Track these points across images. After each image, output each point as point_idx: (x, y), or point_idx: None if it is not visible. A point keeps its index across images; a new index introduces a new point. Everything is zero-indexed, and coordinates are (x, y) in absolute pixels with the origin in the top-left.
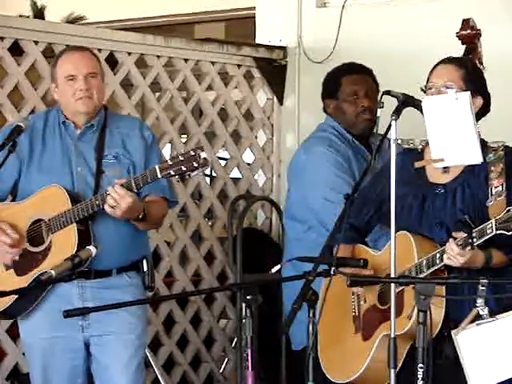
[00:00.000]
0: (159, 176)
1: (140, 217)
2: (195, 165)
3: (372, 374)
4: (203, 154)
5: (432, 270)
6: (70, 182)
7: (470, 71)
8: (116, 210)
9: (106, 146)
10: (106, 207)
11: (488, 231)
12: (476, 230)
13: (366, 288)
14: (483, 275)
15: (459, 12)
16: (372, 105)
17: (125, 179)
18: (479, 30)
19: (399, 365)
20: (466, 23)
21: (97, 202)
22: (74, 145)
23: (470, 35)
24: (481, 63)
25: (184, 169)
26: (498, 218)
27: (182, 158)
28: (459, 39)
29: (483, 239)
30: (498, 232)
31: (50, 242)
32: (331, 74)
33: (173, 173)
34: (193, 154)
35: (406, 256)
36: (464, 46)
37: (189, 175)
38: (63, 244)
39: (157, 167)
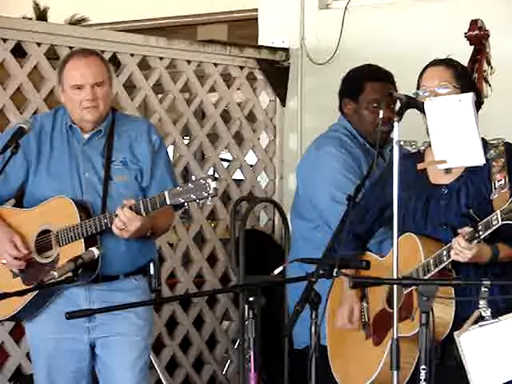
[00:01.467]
0: (168, 202)
1: (148, 235)
2: (205, 194)
3: (385, 378)
4: (213, 184)
5: (440, 267)
6: (79, 189)
7: (459, 69)
8: (124, 232)
9: (114, 150)
10: (114, 229)
11: (494, 222)
12: (481, 222)
13: (373, 293)
14: (490, 272)
15: (462, 13)
16: (392, 115)
17: (133, 200)
18: (487, 30)
19: (412, 368)
20: (475, 24)
21: (105, 221)
22: (81, 150)
23: (478, 36)
24: (489, 64)
25: (193, 197)
26: (502, 208)
27: (192, 186)
28: (467, 40)
29: (489, 231)
30: (504, 222)
31: (58, 254)
32: (354, 74)
33: (182, 200)
34: (203, 182)
35: (412, 257)
36: (472, 47)
37: (197, 203)
38: (71, 257)
39: (166, 193)
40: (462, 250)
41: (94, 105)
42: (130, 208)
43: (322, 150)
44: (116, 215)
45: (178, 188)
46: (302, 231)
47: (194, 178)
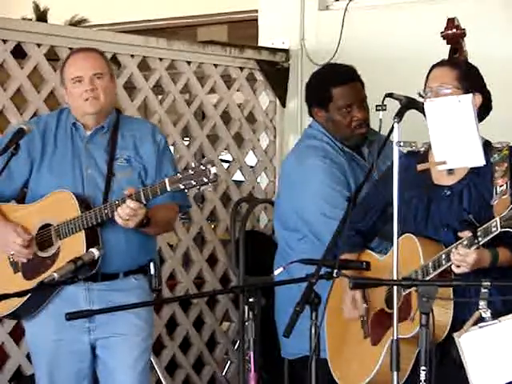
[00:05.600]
0: (168, 189)
1: (144, 223)
2: (205, 180)
3: (383, 378)
4: (213, 170)
5: (439, 271)
6: (80, 185)
7: (464, 70)
8: (129, 222)
9: (118, 148)
10: (118, 219)
11: (493, 229)
12: (481, 228)
13: (373, 293)
14: (489, 276)
15: (463, 14)
16: (366, 115)
17: (134, 188)
18: (464, 29)
19: (409, 369)
20: (451, 23)
21: (105, 211)
22: (84, 147)
23: (455, 35)
24: None
25: (194, 183)
26: (502, 215)
27: (193, 172)
28: (444, 39)
29: (488, 237)
30: (503, 230)
31: (59, 248)
32: (319, 81)
33: (182, 186)
34: (203, 168)
35: (412, 258)
36: (449, 46)
37: (198, 189)
38: (72, 249)
39: (166, 180)
40: (463, 259)
41: (93, 95)
42: (131, 197)
43: (306, 162)
44: (117, 205)
45: (178, 175)
46: (288, 241)
47: (193, 164)
